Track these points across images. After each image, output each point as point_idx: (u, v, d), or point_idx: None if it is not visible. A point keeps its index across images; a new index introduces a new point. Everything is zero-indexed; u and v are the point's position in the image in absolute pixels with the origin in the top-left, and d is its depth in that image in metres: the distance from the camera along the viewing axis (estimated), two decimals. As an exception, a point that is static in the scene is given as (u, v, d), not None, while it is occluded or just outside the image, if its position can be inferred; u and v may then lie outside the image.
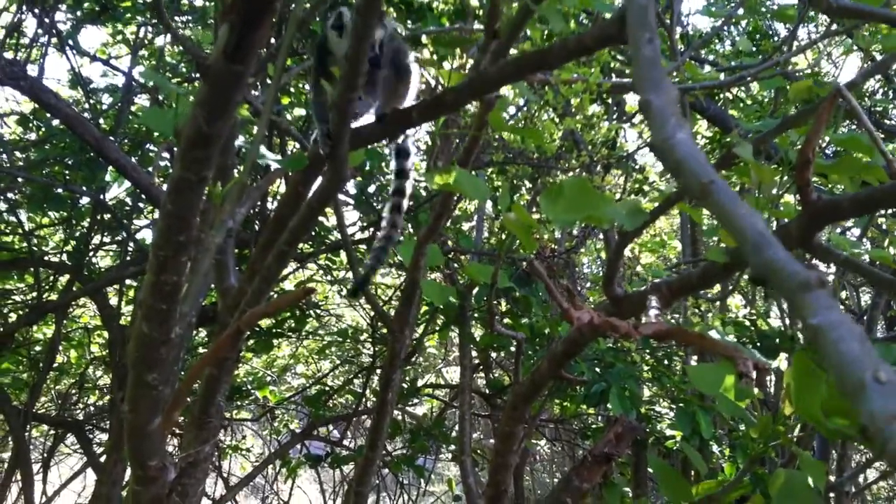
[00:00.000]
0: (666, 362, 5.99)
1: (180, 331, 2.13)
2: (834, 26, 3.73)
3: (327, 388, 7.49)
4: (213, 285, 3.69)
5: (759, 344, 5.23)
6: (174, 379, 2.67)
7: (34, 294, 6.60)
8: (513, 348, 5.37)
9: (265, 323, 6.39)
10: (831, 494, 4.63)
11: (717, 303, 7.14)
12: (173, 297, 1.71)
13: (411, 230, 5.82)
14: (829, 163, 1.95)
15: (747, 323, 5.77)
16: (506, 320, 5.67)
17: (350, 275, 6.39)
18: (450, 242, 5.74)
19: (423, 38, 4.35)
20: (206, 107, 1.42)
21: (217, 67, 1.35)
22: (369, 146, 2.85)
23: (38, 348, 7.28)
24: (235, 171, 3.28)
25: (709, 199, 0.65)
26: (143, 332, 1.73)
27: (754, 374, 1.78)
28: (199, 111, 1.42)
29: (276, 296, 5.56)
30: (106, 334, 6.47)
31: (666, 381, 5.55)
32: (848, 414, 1.50)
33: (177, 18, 5.71)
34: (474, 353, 6.58)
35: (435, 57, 4.04)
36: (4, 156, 5.52)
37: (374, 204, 5.93)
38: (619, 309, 2.46)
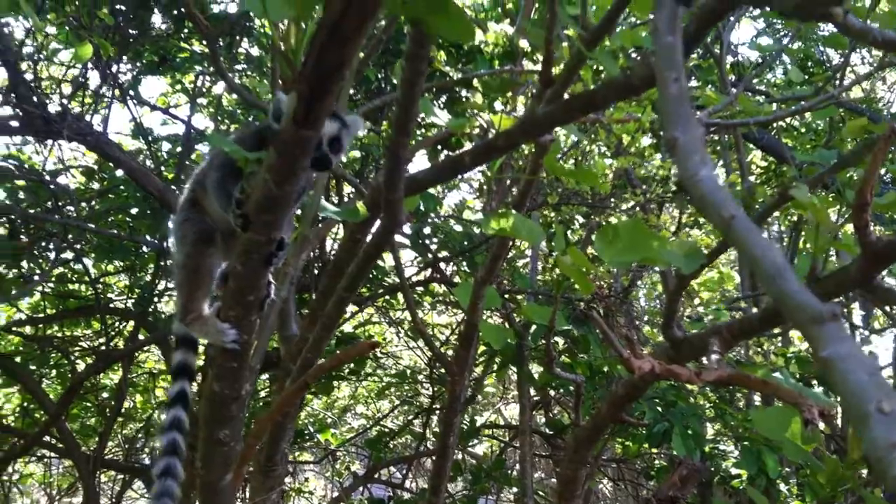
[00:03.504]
0: (728, 398, 5.88)
1: (250, 387, 2.17)
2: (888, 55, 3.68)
3: (387, 430, 7.50)
4: (274, 332, 3.75)
5: (822, 379, 5.13)
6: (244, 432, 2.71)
7: (101, 340, 6.75)
8: (572, 387, 5.34)
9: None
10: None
11: (779, 337, 7.01)
12: (244, 355, 1.75)
13: (468, 271, 5.85)
14: (886, 202, 1.93)
15: (810, 357, 5.65)
16: (563, 358, 5.63)
17: (407, 315, 6.41)
18: (505, 282, 5.75)
19: (475, 82, 4.41)
20: (276, 172, 1.45)
21: (286, 134, 1.38)
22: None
23: (105, 395, 7.42)
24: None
25: (730, 232, 0.67)
26: (215, 391, 1.77)
27: (820, 421, 1.75)
28: (269, 176, 1.45)
29: (335, 341, 5.61)
30: (170, 379, 6.56)
31: (729, 419, 5.45)
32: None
33: (234, 67, 5.85)
34: (532, 392, 6.54)
35: (485, 101, 4.08)
36: (71, 207, 5.70)
37: (430, 245, 5.97)
38: (679, 352, 2.44)
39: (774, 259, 0.61)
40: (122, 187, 5.75)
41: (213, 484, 1.90)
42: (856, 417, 0.52)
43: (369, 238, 2.62)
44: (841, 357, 0.55)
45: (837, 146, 5.06)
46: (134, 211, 5.75)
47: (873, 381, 0.53)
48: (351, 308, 6.65)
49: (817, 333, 0.57)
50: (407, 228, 5.74)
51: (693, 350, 2.40)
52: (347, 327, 6.97)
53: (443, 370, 5.95)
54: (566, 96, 2.44)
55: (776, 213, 6.72)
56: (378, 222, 2.48)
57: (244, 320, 1.70)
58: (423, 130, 5.44)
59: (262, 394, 6.43)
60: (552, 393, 6.99)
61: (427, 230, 6.06)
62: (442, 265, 6.16)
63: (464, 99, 5.24)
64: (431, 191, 5.91)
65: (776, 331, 6.58)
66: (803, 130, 6.65)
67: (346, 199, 5.63)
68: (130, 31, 5.29)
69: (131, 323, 6.60)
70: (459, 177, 6.50)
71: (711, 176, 0.71)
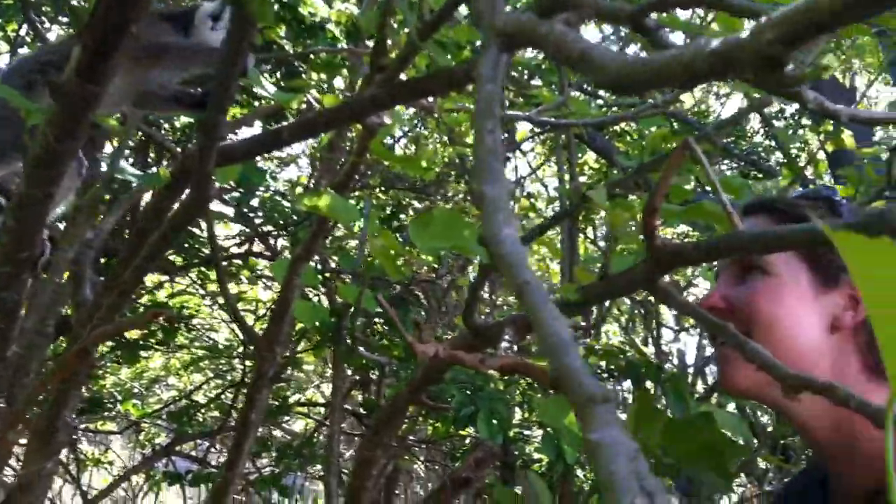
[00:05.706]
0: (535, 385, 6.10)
1: (18, 349, 2.06)
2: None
3: (194, 403, 7.29)
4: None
5: (626, 373, 5.40)
6: (21, 396, 2.57)
7: None
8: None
9: (132, 334, 6.19)
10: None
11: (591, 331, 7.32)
12: (12, 315, 1.65)
13: (288, 248, 5.78)
14: (678, 209, 2.04)
15: (618, 352, 5.93)
16: (384, 341, 5.69)
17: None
18: (331, 261, 5.72)
19: (312, 57, 4.34)
20: (57, 126, 1.36)
21: (69, 87, 1.31)
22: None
23: None
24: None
25: (522, 297, 0.68)
26: (-23, 353, 1.67)
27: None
28: (49, 129, 1.37)
29: (134, 309, 5.44)
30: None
31: (535, 406, 5.66)
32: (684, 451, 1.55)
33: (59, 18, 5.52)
34: (351, 372, 6.56)
35: (319, 78, 4.04)
36: None
37: (254, 218, 5.86)
38: (479, 339, 2.51)
39: (560, 332, 0.63)
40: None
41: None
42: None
43: (174, 211, 2.53)
44: (607, 442, 0.57)
45: (661, 152, 5.33)
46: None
47: (632, 469, 0.55)
48: (163, 277, 6.44)
49: (590, 414, 0.58)
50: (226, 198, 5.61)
51: (492, 338, 2.47)
52: (163, 295, 6.75)
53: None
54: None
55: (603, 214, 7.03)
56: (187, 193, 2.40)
57: (15, 279, 1.60)
58: (258, 102, 5.32)
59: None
60: (373, 374, 7.02)
61: (255, 202, 5.92)
62: (271, 240, 6.06)
63: (303, 74, 5.15)
64: (262, 165, 5.81)
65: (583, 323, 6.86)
66: (636, 136, 6.96)
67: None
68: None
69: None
70: (286, 151, 6.48)
71: (514, 236, 0.72)
